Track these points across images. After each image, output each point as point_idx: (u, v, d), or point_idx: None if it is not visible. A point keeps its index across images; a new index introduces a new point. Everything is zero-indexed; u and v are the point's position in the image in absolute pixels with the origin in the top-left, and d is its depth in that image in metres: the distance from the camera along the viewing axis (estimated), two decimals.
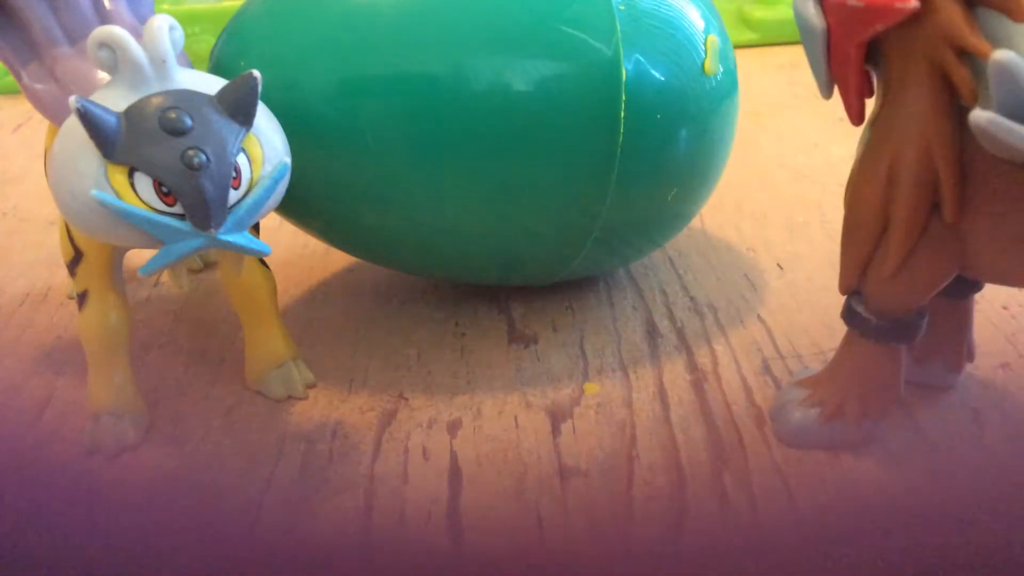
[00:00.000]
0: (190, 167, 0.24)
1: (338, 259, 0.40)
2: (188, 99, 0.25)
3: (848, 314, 0.28)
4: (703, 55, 0.31)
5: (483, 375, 0.33)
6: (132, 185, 0.25)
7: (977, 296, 0.30)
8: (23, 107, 0.61)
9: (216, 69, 0.31)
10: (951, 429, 0.29)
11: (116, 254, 0.29)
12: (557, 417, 0.30)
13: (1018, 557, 0.24)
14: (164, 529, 0.27)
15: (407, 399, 0.32)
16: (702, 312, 0.36)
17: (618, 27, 0.30)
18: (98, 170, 0.25)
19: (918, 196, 0.25)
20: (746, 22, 0.68)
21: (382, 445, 0.29)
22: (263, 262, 0.31)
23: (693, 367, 0.32)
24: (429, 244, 0.32)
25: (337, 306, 0.37)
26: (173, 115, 0.25)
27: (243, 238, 0.26)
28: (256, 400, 0.31)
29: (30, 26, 0.28)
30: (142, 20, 0.29)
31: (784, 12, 0.67)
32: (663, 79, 0.30)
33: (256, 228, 0.31)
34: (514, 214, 0.31)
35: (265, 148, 0.26)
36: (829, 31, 0.25)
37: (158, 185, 0.25)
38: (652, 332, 0.35)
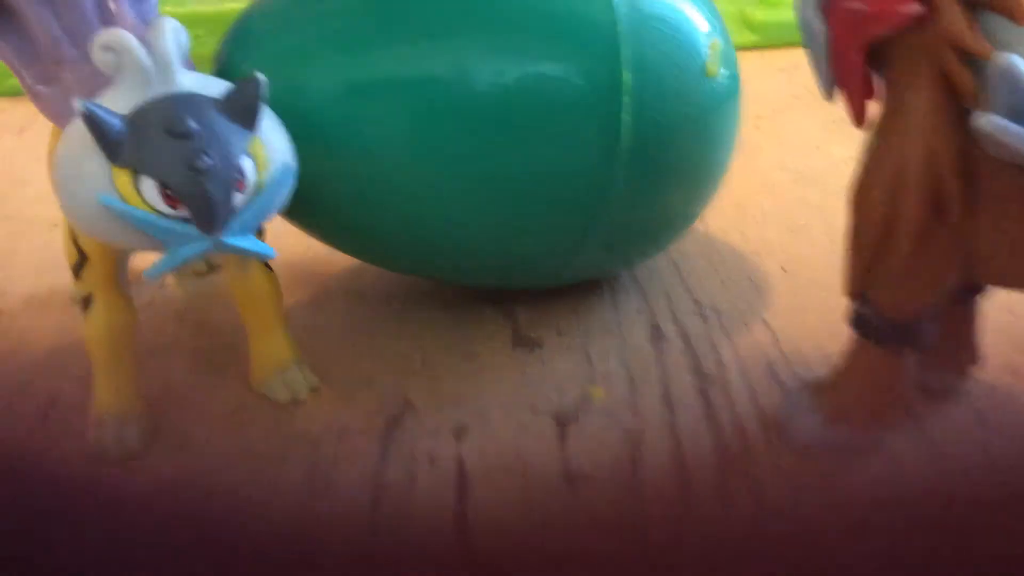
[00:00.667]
0: (195, 170, 0.24)
1: (341, 261, 0.40)
2: (193, 102, 0.25)
3: (854, 318, 0.28)
4: (706, 57, 0.31)
5: (489, 380, 0.33)
6: (137, 188, 0.25)
7: (983, 300, 0.30)
8: (27, 109, 0.61)
9: (220, 72, 0.31)
10: (956, 434, 0.29)
11: (121, 257, 0.29)
12: (563, 422, 0.30)
13: (1021, 559, 0.24)
14: (168, 533, 0.27)
15: (413, 404, 0.31)
16: (707, 316, 0.36)
17: (619, 28, 0.29)
18: (103, 173, 0.25)
19: (923, 199, 0.25)
20: (747, 24, 0.68)
21: (388, 450, 0.29)
22: (267, 265, 0.31)
23: (699, 372, 0.32)
24: (432, 246, 0.32)
25: (341, 309, 0.37)
26: (178, 118, 0.25)
27: (248, 242, 0.26)
28: (261, 404, 0.31)
29: (32, 28, 0.28)
30: (146, 22, 0.29)
31: (785, 14, 0.67)
32: (665, 80, 0.30)
33: (260, 232, 0.31)
34: (516, 215, 0.31)
35: (269, 151, 0.26)
36: (831, 34, 0.25)
37: (163, 188, 0.24)
38: (657, 336, 0.35)
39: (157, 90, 0.25)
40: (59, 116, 0.28)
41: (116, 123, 0.24)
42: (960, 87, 0.23)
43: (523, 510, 0.27)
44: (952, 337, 0.30)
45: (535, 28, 0.29)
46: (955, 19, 0.23)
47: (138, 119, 0.25)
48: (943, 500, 0.27)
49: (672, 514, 0.26)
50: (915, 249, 0.25)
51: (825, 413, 0.28)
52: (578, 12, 0.29)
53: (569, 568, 0.25)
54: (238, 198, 0.25)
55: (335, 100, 0.30)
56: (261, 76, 0.26)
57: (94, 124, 0.24)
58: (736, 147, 0.34)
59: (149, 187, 0.25)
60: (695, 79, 0.31)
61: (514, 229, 0.31)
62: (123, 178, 0.25)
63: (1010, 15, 0.23)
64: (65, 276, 0.39)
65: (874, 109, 0.27)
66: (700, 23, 0.32)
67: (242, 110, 0.26)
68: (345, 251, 0.35)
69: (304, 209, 0.32)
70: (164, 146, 0.24)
